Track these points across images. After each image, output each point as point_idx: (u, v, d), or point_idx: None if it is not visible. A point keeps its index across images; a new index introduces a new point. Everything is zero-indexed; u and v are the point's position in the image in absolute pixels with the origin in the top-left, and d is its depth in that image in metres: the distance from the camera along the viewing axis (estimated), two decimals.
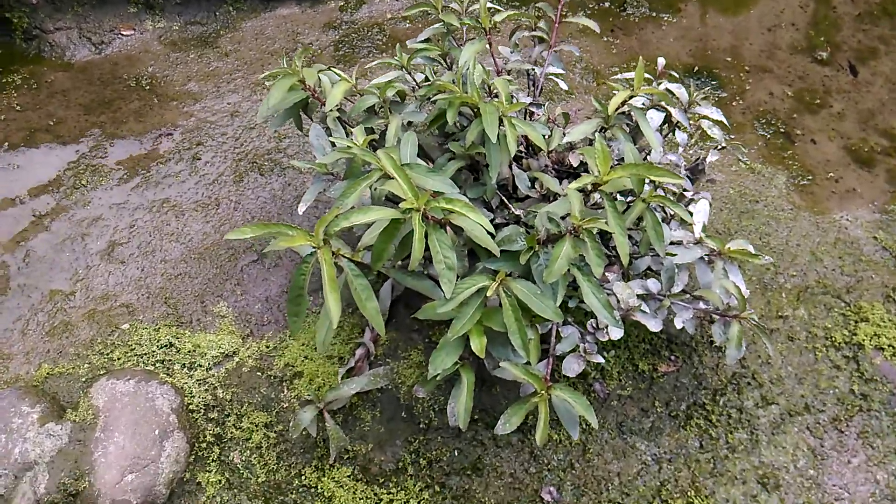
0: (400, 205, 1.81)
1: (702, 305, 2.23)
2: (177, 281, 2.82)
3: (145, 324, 2.68)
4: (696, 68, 3.56)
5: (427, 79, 2.47)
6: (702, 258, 2.25)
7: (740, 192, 3.12)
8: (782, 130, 3.37)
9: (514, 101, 2.22)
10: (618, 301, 2.12)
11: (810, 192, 3.16)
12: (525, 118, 2.54)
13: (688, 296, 2.21)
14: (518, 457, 2.43)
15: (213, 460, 2.36)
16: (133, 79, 3.47)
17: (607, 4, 3.86)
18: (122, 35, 3.60)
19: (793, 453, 2.47)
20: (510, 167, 2.37)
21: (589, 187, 1.99)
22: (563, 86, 2.55)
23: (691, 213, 2.25)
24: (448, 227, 1.93)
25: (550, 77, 2.55)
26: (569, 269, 1.97)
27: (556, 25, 2.55)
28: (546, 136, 2.29)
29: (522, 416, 1.90)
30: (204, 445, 2.37)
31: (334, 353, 2.55)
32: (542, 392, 1.88)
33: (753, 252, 2.15)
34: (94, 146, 3.22)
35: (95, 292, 2.80)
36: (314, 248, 1.74)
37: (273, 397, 2.46)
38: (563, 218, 1.98)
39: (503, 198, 2.29)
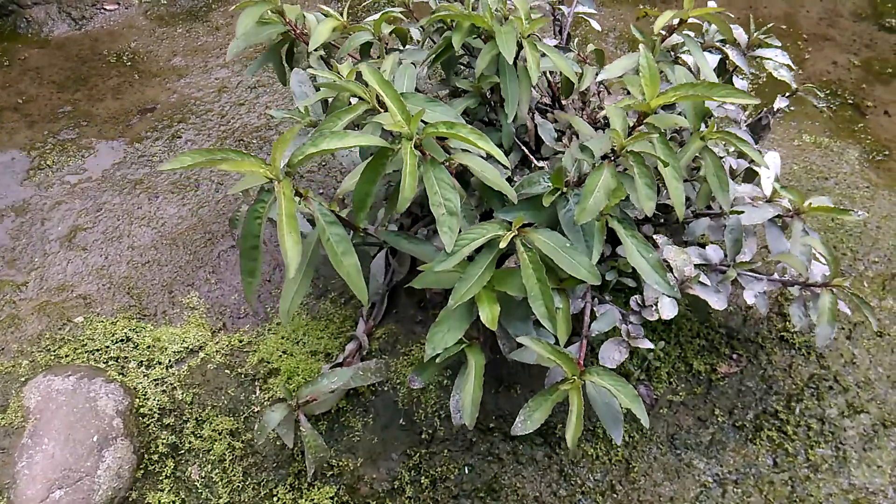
0: (386, 127, 1.39)
1: (776, 277, 1.76)
2: (144, 269, 2.41)
3: (102, 317, 2.27)
4: None
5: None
6: (773, 220, 1.79)
7: (806, 167, 2.65)
8: (850, 102, 2.90)
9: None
10: (670, 270, 1.65)
11: (888, 169, 2.68)
12: None
13: (758, 264, 1.74)
14: (544, 476, 1.95)
15: (165, 476, 1.91)
16: (114, 55, 3.13)
17: None
18: (105, 10, 3.27)
19: (891, 473, 1.96)
20: (531, 115, 1.94)
21: (629, 122, 1.54)
22: (596, 26, 2.12)
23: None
24: (451, 171, 1.50)
25: (581, 17, 2.14)
26: (606, 223, 1.53)
27: None
28: (577, 75, 1.86)
29: (548, 409, 1.44)
30: (155, 457, 1.93)
31: (320, 348, 2.11)
32: (574, 378, 1.42)
33: (841, 209, 1.68)
34: (65, 125, 2.86)
35: (51, 283, 2.40)
36: (269, 179, 1.32)
37: (242, 399, 2.01)
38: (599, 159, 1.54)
39: (525, 152, 1.86)
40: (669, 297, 1.57)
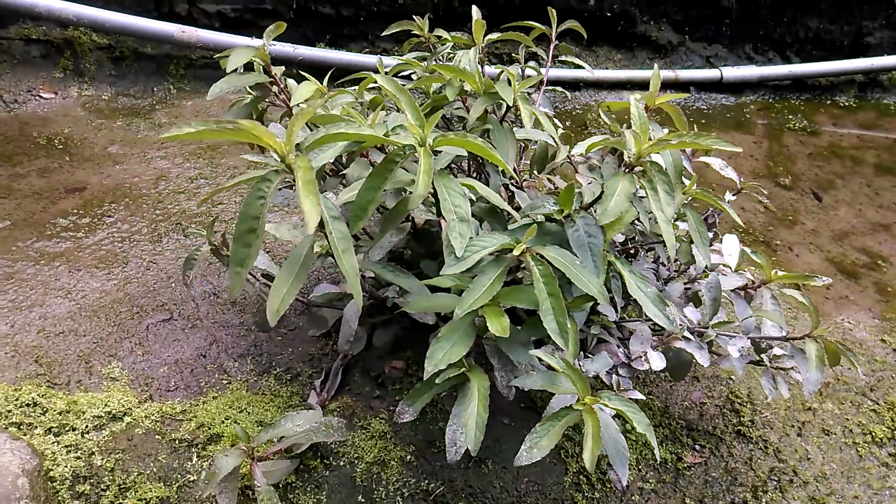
0: (397, 132, 1.38)
1: (757, 335, 1.79)
2: (57, 339, 2.14)
3: (3, 383, 1.96)
4: None
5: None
6: (738, 292, 1.85)
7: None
8: (762, 239, 3.17)
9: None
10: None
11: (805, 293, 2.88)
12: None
13: (736, 324, 1.78)
14: None
15: None
16: (44, 137, 2.99)
17: None
18: (41, 97, 3.17)
19: None
20: (508, 191, 1.99)
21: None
22: (556, 122, 2.26)
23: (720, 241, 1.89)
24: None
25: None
26: (604, 256, 1.53)
27: (548, 63, 2.34)
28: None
29: (557, 435, 1.32)
30: None
31: (267, 419, 1.89)
32: (586, 400, 1.33)
33: (806, 275, 1.77)
34: None
35: None
36: (280, 157, 1.25)
37: (176, 467, 1.73)
38: None
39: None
40: (663, 332, 1.55)
